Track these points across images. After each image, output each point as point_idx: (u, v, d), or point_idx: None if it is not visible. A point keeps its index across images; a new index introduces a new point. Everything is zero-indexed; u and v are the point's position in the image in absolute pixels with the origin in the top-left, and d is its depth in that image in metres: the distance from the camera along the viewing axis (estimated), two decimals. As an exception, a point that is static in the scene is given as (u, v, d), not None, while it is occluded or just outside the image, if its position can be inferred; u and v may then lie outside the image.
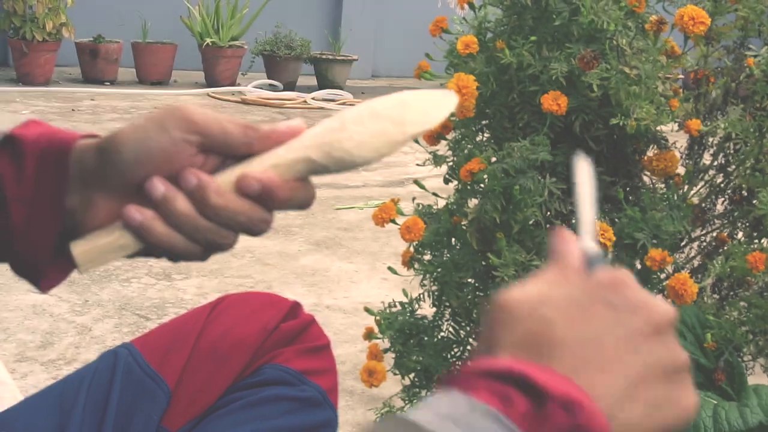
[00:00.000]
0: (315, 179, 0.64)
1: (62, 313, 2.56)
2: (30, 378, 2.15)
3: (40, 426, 0.89)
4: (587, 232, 0.55)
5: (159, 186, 0.61)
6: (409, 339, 1.48)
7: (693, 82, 1.39)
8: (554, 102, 1.24)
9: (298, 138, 0.63)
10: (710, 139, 1.41)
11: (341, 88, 7.53)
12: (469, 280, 1.43)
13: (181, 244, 0.61)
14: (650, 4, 1.30)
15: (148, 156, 0.61)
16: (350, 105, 6.95)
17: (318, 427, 0.92)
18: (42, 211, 0.62)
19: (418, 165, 1.50)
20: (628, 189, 1.35)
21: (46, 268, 0.65)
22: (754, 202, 1.30)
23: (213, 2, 7.43)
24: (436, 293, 1.48)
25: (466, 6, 1.41)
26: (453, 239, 1.45)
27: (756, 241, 1.34)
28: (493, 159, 1.32)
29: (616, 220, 1.31)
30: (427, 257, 1.48)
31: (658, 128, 1.32)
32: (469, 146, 1.41)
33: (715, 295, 1.42)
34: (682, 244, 1.41)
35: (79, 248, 0.62)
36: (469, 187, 1.37)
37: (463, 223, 1.40)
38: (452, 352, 1.47)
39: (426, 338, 1.48)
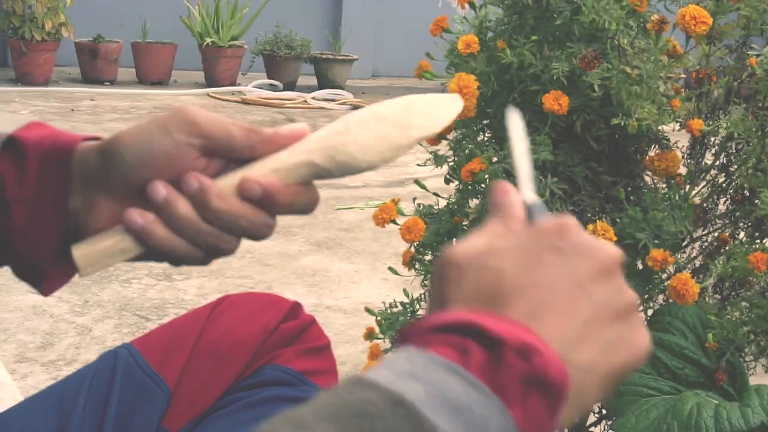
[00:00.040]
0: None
1: (62, 313, 2.56)
2: (30, 379, 2.14)
3: (40, 426, 0.89)
4: (526, 184, 0.55)
5: (160, 189, 0.60)
6: (410, 339, 1.48)
7: (695, 82, 1.38)
8: (555, 102, 1.24)
9: (302, 142, 0.62)
10: (712, 139, 1.41)
11: (342, 88, 7.53)
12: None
13: (182, 248, 0.61)
14: (651, 2, 1.30)
15: (150, 159, 0.60)
16: (351, 105, 6.93)
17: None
18: (44, 213, 0.62)
19: (418, 165, 1.49)
20: (629, 189, 1.35)
21: (48, 271, 0.64)
22: (756, 202, 1.30)
23: (213, 2, 7.43)
24: (436, 293, 1.47)
25: (466, 5, 1.40)
26: (454, 239, 1.45)
27: (758, 241, 1.34)
28: (495, 159, 1.32)
29: (618, 220, 1.31)
30: (428, 257, 1.47)
31: (660, 128, 1.32)
32: (470, 146, 1.41)
33: (717, 295, 1.42)
34: (684, 244, 1.41)
35: (79, 251, 0.62)
36: (470, 187, 1.37)
37: (464, 223, 1.40)
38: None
39: (427, 338, 1.47)
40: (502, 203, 0.53)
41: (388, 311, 1.52)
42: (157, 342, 0.94)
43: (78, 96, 6.46)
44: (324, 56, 7.83)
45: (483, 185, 1.33)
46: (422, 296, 1.52)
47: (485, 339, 0.43)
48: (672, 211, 1.27)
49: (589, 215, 1.32)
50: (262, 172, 0.61)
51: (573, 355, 0.45)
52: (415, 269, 1.48)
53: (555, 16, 1.29)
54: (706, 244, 1.43)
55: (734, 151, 1.40)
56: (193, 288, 2.81)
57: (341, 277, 3.04)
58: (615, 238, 1.22)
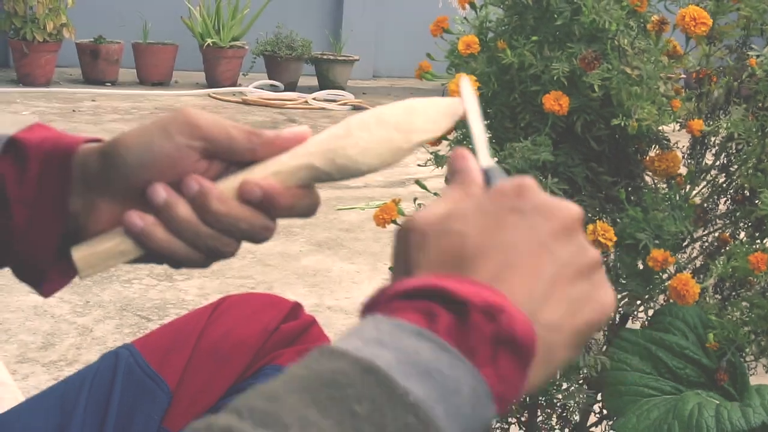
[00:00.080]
0: (316, 180, 0.63)
1: (63, 314, 2.56)
2: (31, 379, 2.14)
3: (41, 427, 0.89)
4: (482, 150, 0.56)
5: (161, 192, 0.60)
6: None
7: (695, 82, 1.38)
8: (556, 102, 1.24)
9: (303, 145, 0.62)
10: (712, 139, 1.41)
11: (342, 89, 7.53)
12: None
13: (182, 251, 0.61)
14: (652, 3, 1.30)
15: (151, 161, 0.60)
16: (351, 105, 6.93)
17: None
18: (44, 214, 0.62)
19: (419, 165, 1.49)
20: (629, 189, 1.35)
21: (48, 272, 0.64)
22: (757, 202, 1.30)
23: (214, 3, 7.43)
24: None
25: (467, 6, 1.40)
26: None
27: (758, 241, 1.34)
28: (495, 159, 1.32)
29: (618, 220, 1.31)
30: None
31: (660, 128, 1.32)
32: (470, 146, 1.41)
33: (717, 296, 1.42)
34: (684, 244, 1.41)
35: (79, 253, 0.62)
36: (470, 188, 1.37)
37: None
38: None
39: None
40: (460, 170, 0.54)
41: (389, 311, 1.52)
42: (158, 342, 0.95)
43: (79, 97, 6.46)
44: (325, 57, 7.83)
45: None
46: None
47: (451, 302, 0.43)
48: (672, 211, 1.27)
49: (589, 215, 1.32)
50: (262, 174, 0.61)
51: (539, 313, 0.46)
52: (416, 269, 1.48)
53: (555, 16, 1.29)
54: (706, 244, 1.43)
55: (734, 151, 1.39)
56: (194, 288, 2.81)
57: (342, 278, 3.05)
58: (615, 239, 1.22)
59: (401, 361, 0.41)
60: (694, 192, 1.38)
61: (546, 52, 1.29)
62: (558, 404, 1.44)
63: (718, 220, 1.42)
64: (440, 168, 1.47)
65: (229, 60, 7.46)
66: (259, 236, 0.62)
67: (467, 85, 0.60)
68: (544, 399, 1.43)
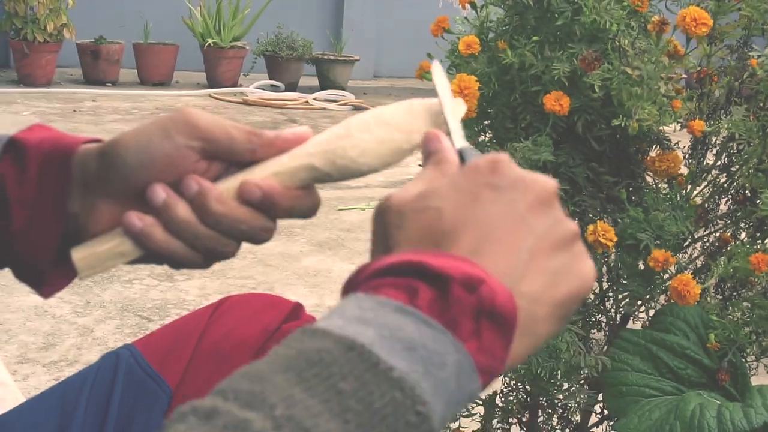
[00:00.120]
0: (317, 180, 0.63)
1: (64, 314, 2.56)
2: (32, 379, 2.14)
3: (41, 427, 0.89)
4: (456, 131, 0.57)
5: (160, 192, 0.60)
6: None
7: (696, 81, 1.38)
8: (557, 102, 1.24)
9: (303, 145, 0.62)
10: (713, 139, 1.41)
11: (343, 89, 7.53)
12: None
13: (182, 251, 0.61)
14: (653, 3, 1.30)
15: (150, 161, 0.60)
16: (352, 105, 6.93)
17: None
18: (44, 214, 0.62)
19: (420, 165, 1.49)
20: (630, 189, 1.35)
21: (47, 272, 0.64)
22: (758, 202, 1.30)
23: (215, 3, 7.43)
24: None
25: (467, 6, 1.40)
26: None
27: (759, 241, 1.34)
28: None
29: (619, 220, 1.31)
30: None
31: (661, 128, 1.32)
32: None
33: (719, 296, 1.42)
34: (685, 244, 1.40)
35: (79, 254, 0.62)
36: (471, 188, 1.37)
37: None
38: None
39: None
40: (434, 150, 0.54)
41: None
42: (159, 343, 0.94)
43: (80, 97, 6.46)
44: (325, 57, 7.83)
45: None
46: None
47: (431, 277, 0.43)
48: (673, 211, 1.27)
49: (590, 216, 1.32)
50: (262, 175, 0.61)
51: (519, 286, 0.46)
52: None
53: (556, 16, 1.29)
54: (707, 244, 1.43)
55: (735, 151, 1.39)
56: (195, 289, 2.81)
57: (343, 278, 3.04)
58: (616, 239, 1.22)
59: (384, 338, 0.41)
60: (695, 192, 1.38)
61: (547, 53, 1.29)
62: (559, 404, 1.44)
63: (719, 221, 1.42)
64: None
65: (230, 60, 7.46)
66: (258, 237, 0.62)
67: (438, 68, 0.61)
68: (545, 399, 1.43)
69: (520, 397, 1.45)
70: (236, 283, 2.89)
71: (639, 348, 1.29)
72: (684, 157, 1.36)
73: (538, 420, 1.45)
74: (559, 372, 1.27)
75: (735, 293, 1.41)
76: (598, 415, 1.48)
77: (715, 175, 1.42)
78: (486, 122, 1.41)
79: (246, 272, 3.00)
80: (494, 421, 1.46)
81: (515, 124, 1.35)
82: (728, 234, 1.40)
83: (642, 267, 1.28)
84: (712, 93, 1.38)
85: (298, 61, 7.60)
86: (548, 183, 0.50)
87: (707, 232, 1.42)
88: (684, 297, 1.20)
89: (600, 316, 1.42)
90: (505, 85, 1.33)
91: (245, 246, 0.63)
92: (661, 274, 1.29)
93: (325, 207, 3.90)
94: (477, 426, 1.46)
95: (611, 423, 1.44)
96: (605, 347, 1.40)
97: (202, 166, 0.62)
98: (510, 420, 1.48)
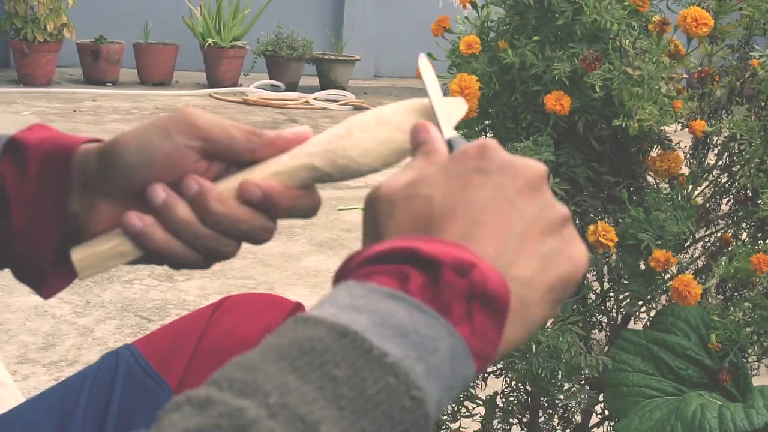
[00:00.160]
0: (317, 180, 0.63)
1: (64, 314, 2.56)
2: (32, 380, 2.14)
3: (41, 427, 0.88)
4: (444, 121, 0.57)
5: (160, 192, 0.60)
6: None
7: (697, 81, 1.38)
8: (557, 102, 1.24)
9: (303, 145, 0.62)
10: (715, 139, 1.41)
11: (343, 89, 7.53)
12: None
13: (181, 252, 0.61)
14: (654, 2, 1.30)
15: (150, 161, 0.60)
16: (353, 105, 6.92)
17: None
18: (44, 214, 0.62)
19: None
20: (631, 189, 1.35)
21: (47, 272, 0.64)
22: (759, 202, 1.30)
23: (215, 2, 7.43)
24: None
25: (468, 5, 1.40)
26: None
27: (760, 242, 1.34)
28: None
29: (620, 220, 1.31)
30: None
31: (662, 128, 1.32)
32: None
33: (720, 296, 1.42)
34: (686, 244, 1.40)
35: (78, 254, 0.61)
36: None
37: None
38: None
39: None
40: (423, 141, 0.54)
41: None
42: (159, 343, 0.94)
43: (80, 97, 6.46)
44: (326, 57, 7.83)
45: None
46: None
47: (422, 262, 0.43)
48: (674, 211, 1.27)
49: (591, 216, 1.32)
50: (262, 175, 0.61)
51: (511, 270, 0.46)
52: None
53: (557, 16, 1.29)
54: (708, 244, 1.42)
55: (737, 151, 1.39)
56: (195, 289, 2.81)
57: (343, 278, 3.05)
58: (617, 239, 1.22)
59: (377, 324, 0.41)
60: (696, 192, 1.38)
61: (547, 52, 1.29)
62: (560, 405, 1.44)
63: (720, 221, 1.42)
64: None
65: (230, 60, 7.46)
66: (258, 237, 0.62)
67: (425, 62, 0.61)
68: (545, 400, 1.42)
69: (520, 397, 1.45)
70: (236, 283, 2.89)
71: (640, 348, 1.29)
72: (685, 157, 1.36)
73: (539, 420, 1.45)
74: (559, 372, 1.26)
75: (736, 293, 1.41)
76: (599, 416, 1.47)
77: (716, 175, 1.42)
78: (487, 122, 1.41)
79: (246, 272, 3.00)
80: (495, 422, 1.46)
81: (516, 123, 1.35)
82: (729, 234, 1.40)
83: (643, 267, 1.28)
84: (714, 93, 1.38)
85: (299, 61, 7.60)
86: (538, 167, 0.50)
87: (708, 232, 1.42)
88: (685, 297, 1.20)
89: (601, 316, 1.42)
90: (505, 84, 1.33)
91: (245, 246, 0.63)
92: (662, 274, 1.28)
93: (326, 207, 3.90)
94: (478, 426, 1.46)
95: (612, 423, 1.44)
96: (606, 347, 1.39)
97: (202, 166, 0.61)
98: (511, 420, 1.47)
